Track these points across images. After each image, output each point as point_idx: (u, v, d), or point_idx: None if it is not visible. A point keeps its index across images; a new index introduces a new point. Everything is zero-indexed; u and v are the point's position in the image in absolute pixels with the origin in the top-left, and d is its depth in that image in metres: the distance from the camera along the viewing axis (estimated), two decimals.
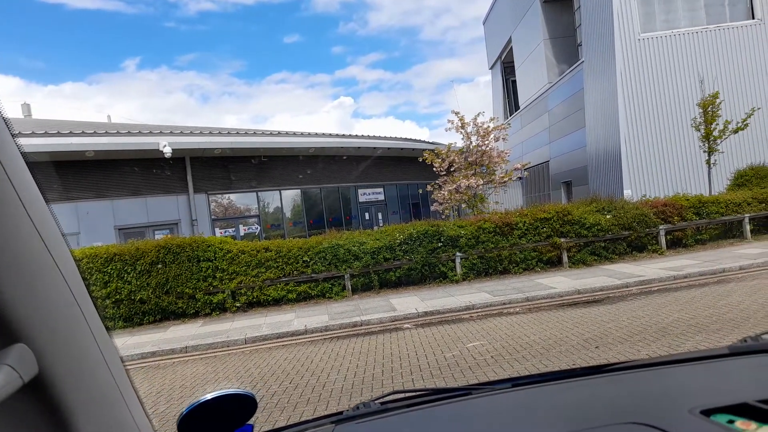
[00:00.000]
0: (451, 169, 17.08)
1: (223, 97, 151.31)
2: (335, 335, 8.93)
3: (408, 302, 10.55)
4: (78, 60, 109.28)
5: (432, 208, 18.44)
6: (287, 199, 20.53)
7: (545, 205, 14.24)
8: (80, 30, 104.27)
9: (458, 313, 9.49)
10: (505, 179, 17.06)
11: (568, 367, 2.29)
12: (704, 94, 16.20)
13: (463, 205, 17.14)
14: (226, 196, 19.04)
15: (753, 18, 20.54)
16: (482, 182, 16.48)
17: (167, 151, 15.61)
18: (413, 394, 1.37)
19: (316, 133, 21.06)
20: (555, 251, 12.71)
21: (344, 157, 22.06)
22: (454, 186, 16.31)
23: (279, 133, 20.08)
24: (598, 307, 8.63)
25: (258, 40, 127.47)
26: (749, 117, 15.35)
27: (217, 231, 18.21)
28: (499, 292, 10.54)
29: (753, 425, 0.89)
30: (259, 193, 19.62)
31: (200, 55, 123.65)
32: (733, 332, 6.05)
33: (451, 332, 8.05)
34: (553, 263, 12.77)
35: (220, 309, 11.60)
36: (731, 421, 0.93)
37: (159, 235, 15.41)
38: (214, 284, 11.52)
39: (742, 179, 15.45)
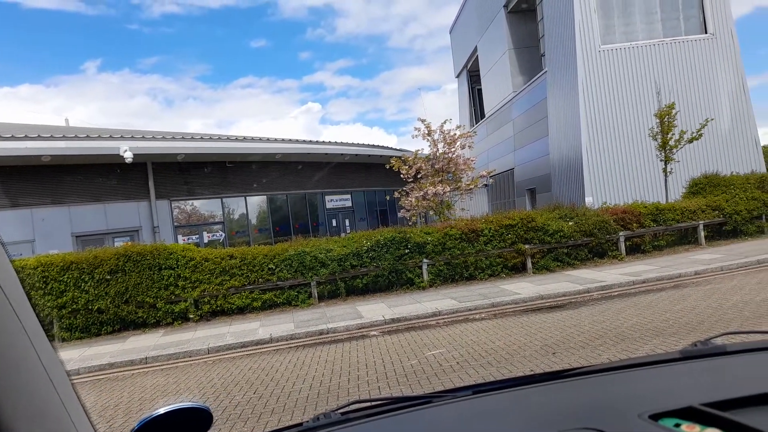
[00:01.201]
0: (418, 176, 17.18)
1: (187, 101, 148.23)
2: (301, 344, 8.83)
3: (375, 309, 10.53)
4: (36, 61, 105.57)
5: (399, 214, 18.49)
6: (253, 205, 20.26)
7: (510, 211, 14.47)
8: (38, 30, 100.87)
9: (425, 320, 9.51)
10: (471, 186, 17.26)
11: (529, 373, 2.33)
12: (661, 105, 16.80)
13: (430, 212, 17.25)
14: (190, 202, 18.66)
15: (705, 32, 21.45)
16: (449, 189, 16.62)
17: (128, 156, 15.21)
18: (375, 403, 1.36)
19: (283, 139, 20.88)
20: (519, 257, 12.90)
21: (311, 164, 21.93)
22: (421, 193, 16.40)
23: (245, 139, 19.83)
24: (561, 312, 8.79)
25: (224, 44, 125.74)
26: (703, 127, 15.98)
27: (180, 238, 17.81)
28: (465, 298, 10.62)
29: (697, 428, 0.93)
30: (224, 200, 19.30)
31: (164, 59, 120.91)
32: (689, 336, 6.25)
33: (418, 339, 8.06)
34: (517, 269, 12.96)
35: (182, 318, 11.32)
36: (678, 425, 0.96)
37: (119, 243, 14.96)
38: (176, 293, 11.25)
39: (696, 187, 16.04)
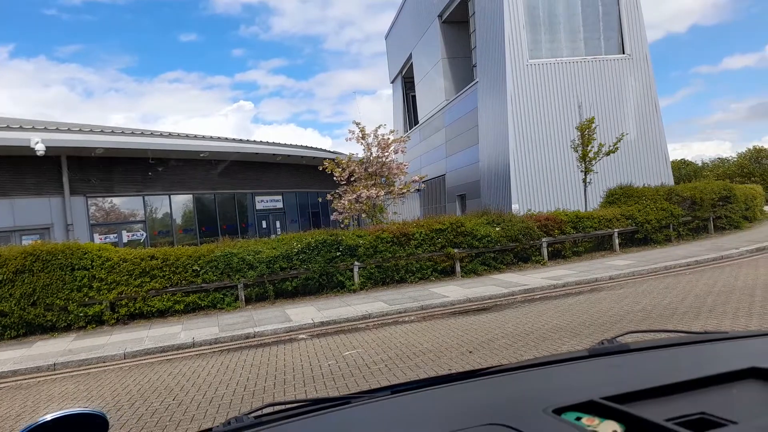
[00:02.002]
0: (352, 179, 17.16)
1: (109, 94, 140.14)
2: (226, 348, 8.53)
3: (304, 312, 10.37)
4: None
5: (332, 217, 18.37)
6: (178, 204, 19.41)
7: (441, 216, 14.76)
8: None
9: (355, 323, 9.47)
10: (403, 190, 17.45)
11: (446, 373, 2.39)
12: (582, 119, 17.73)
13: (363, 215, 17.26)
14: (109, 199, 17.60)
15: (623, 53, 22.93)
16: (382, 193, 16.72)
17: (39, 148, 14.12)
18: (291, 405, 1.31)
19: (211, 137, 20.20)
20: (449, 261, 13.16)
21: (241, 163, 21.34)
22: (354, 196, 16.39)
23: (170, 135, 18.98)
24: (487, 315, 9.03)
25: (151, 36, 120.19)
26: (619, 141, 17.03)
27: (97, 237, 16.76)
28: (396, 301, 10.69)
29: (596, 421, 0.97)
30: (146, 198, 18.35)
31: (85, 47, 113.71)
32: (602, 336, 6.60)
33: (347, 342, 8.01)
34: (446, 273, 13.21)
35: (96, 321, 10.64)
36: (579, 418, 0.99)
37: (27, 241, 13.86)
38: (91, 295, 10.55)
39: (612, 197, 17.06)
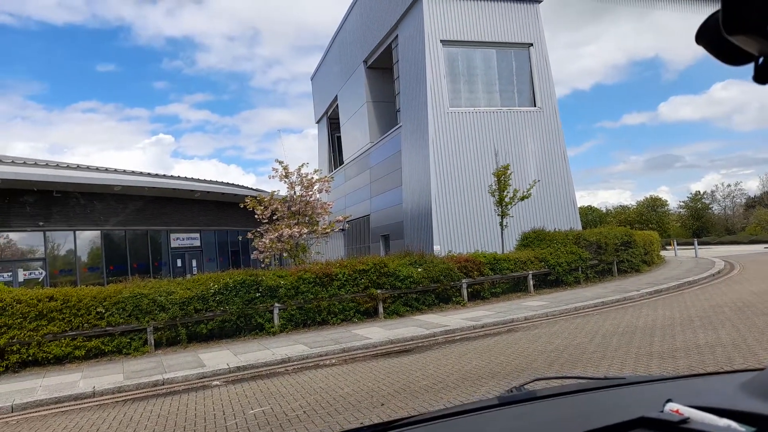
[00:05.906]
0: (274, 218, 16.87)
1: (14, 121, 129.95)
2: (131, 397, 7.90)
3: (219, 357, 9.86)
4: None
5: (252, 256, 17.86)
6: (84, 241, 18.12)
7: (364, 257, 14.77)
8: None
9: (273, 367, 9.12)
10: (327, 230, 17.35)
11: (355, 426, 2.35)
12: (498, 165, 18.65)
13: (285, 255, 16.93)
14: (4, 234, 16.12)
15: (535, 105, 24.59)
16: (305, 232, 16.53)
17: None
18: None
19: (124, 170, 19.22)
20: (372, 302, 13.11)
21: (157, 198, 20.39)
22: (276, 234, 16.08)
23: (78, 167, 17.88)
24: (409, 357, 9.02)
25: (65, 64, 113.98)
26: (532, 188, 18.04)
27: None
28: (317, 343, 10.44)
29: None
30: (48, 233, 16.99)
31: None
32: (520, 377, 6.77)
33: (264, 388, 7.67)
34: (369, 314, 13.13)
35: None
36: None
37: None
38: None
39: (527, 240, 17.88)
